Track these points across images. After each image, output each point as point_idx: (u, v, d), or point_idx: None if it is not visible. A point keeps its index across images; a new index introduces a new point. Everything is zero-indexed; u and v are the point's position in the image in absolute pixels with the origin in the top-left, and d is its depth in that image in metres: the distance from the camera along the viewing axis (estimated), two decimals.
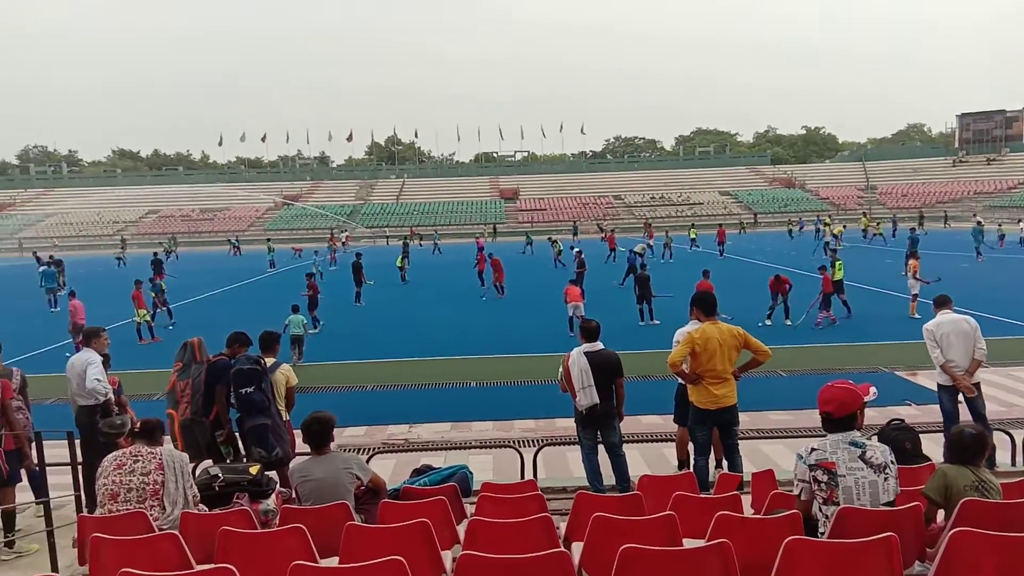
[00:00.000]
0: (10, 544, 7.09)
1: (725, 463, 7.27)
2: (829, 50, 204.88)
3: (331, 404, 10.48)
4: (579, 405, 6.81)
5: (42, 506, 7.37)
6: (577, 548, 3.66)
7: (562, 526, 4.46)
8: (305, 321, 17.46)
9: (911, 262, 19.16)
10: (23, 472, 7.34)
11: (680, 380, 7.14)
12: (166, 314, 21.51)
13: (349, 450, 8.64)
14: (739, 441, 7.19)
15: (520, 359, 15.70)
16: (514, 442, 9.52)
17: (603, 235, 42.63)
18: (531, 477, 7.42)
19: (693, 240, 44.20)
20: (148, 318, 19.20)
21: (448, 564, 3.92)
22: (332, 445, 5.02)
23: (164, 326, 20.27)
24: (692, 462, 7.07)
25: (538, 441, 9.67)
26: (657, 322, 18.55)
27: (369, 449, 9.51)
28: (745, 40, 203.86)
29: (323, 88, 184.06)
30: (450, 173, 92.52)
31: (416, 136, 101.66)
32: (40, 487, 7.74)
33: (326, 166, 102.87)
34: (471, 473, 6.96)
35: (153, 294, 21.25)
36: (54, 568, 6.27)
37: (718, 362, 6.59)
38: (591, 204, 76.92)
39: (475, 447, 10.09)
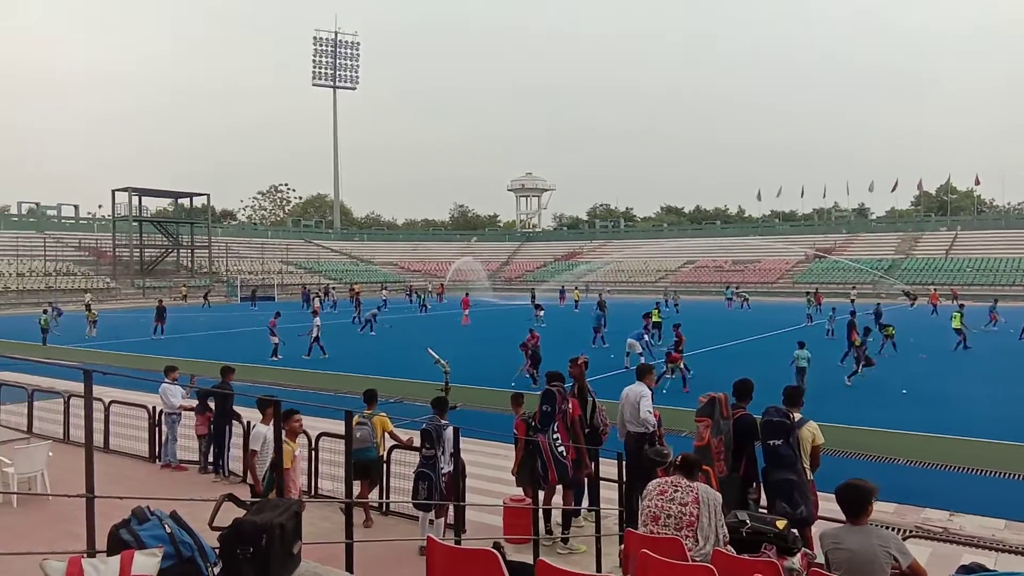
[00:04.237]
0: (565, 540, 8.41)
1: None
2: None
3: (858, 470, 9.82)
4: None
5: (593, 513, 8.62)
6: None
7: None
8: (808, 355, 18.32)
9: None
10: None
11: None
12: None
13: (876, 526, 8.00)
14: None
15: None
16: None
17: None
18: None
19: None
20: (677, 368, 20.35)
21: None
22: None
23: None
24: None
25: None
26: None
27: (900, 530, 8.62)
28: None
29: (868, 139, 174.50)
30: (1018, 225, 78.21)
31: (976, 183, 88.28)
32: (592, 496, 9.05)
33: (864, 218, 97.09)
34: None
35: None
36: (598, 569, 7.25)
37: None
38: None
39: None
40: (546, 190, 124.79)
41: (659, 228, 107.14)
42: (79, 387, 13.38)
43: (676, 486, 5.37)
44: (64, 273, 65.96)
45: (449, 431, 7.98)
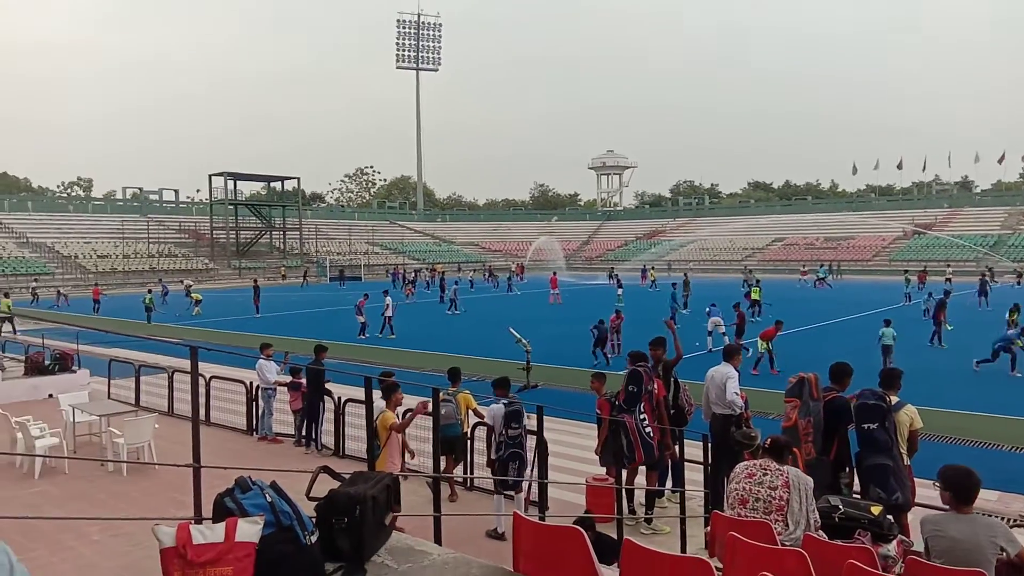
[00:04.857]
0: (648, 521, 8.37)
1: None
2: None
3: (957, 456, 9.37)
4: None
5: (678, 494, 8.54)
6: None
7: None
8: (895, 334, 18.10)
9: None
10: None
11: None
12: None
13: (981, 515, 7.61)
14: None
15: None
16: None
17: None
18: None
19: None
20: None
21: None
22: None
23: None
24: None
25: None
26: None
27: (1004, 519, 8.20)
28: None
29: (971, 105, 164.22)
30: None
31: None
32: (677, 477, 8.97)
33: (968, 191, 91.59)
34: None
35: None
36: (682, 551, 7.18)
37: None
38: None
39: None
40: (627, 168, 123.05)
41: (746, 204, 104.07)
42: (182, 363, 14.07)
43: (765, 469, 5.25)
44: (166, 255, 69.59)
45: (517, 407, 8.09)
